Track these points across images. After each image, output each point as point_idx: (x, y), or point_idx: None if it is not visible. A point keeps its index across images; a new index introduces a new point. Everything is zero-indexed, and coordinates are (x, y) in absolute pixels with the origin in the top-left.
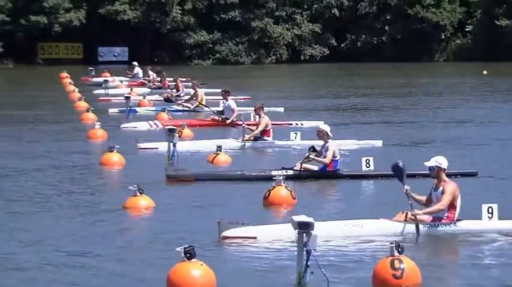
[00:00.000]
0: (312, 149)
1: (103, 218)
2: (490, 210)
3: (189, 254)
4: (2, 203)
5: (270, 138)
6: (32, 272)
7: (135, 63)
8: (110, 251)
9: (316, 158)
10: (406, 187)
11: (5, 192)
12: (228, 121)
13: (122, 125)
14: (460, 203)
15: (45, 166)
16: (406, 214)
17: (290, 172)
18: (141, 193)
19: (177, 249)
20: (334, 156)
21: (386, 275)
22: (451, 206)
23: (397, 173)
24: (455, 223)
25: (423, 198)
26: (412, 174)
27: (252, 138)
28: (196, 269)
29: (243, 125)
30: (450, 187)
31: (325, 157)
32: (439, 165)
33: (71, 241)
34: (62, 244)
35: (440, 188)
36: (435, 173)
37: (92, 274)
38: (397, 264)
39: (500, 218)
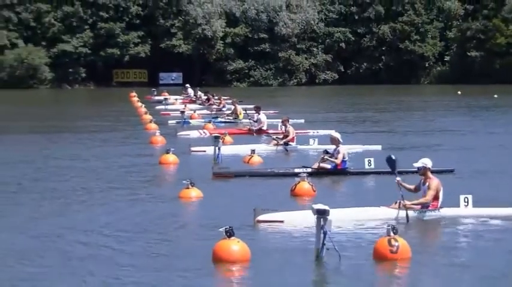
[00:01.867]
0: (325, 151)
1: (162, 206)
2: (466, 199)
3: (229, 233)
4: (75, 194)
5: (294, 144)
6: (97, 243)
7: (188, 85)
8: (167, 231)
9: (329, 159)
10: (397, 178)
11: (78, 186)
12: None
13: (178, 133)
14: (442, 194)
15: (115, 164)
16: (400, 203)
17: (309, 170)
18: (192, 186)
19: (220, 229)
20: (343, 157)
21: (384, 251)
22: (435, 196)
23: (390, 164)
24: (438, 210)
25: (412, 187)
26: (404, 171)
27: (282, 143)
28: (235, 245)
29: (273, 136)
30: (434, 183)
31: (336, 159)
32: (425, 165)
33: (135, 223)
34: (128, 224)
35: (427, 184)
36: (422, 171)
37: (150, 246)
38: (393, 242)
39: (474, 206)
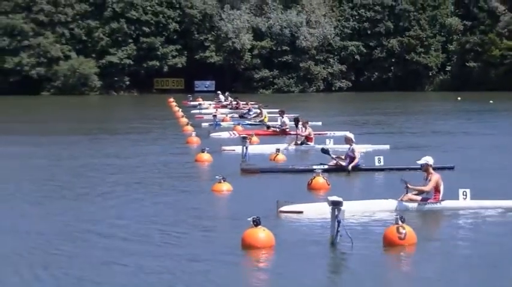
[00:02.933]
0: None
1: (197, 198)
2: (464, 193)
3: (256, 222)
4: (116, 189)
5: (312, 143)
6: (138, 229)
7: (219, 92)
8: (202, 219)
9: (349, 164)
10: (406, 192)
11: (119, 181)
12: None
13: (211, 134)
14: (442, 188)
15: (155, 161)
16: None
17: (326, 167)
18: (223, 181)
19: (248, 219)
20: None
21: (393, 237)
22: (437, 190)
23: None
24: (440, 202)
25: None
26: (409, 168)
27: (300, 143)
28: (261, 232)
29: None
30: (435, 177)
31: (354, 157)
32: (427, 162)
33: (173, 212)
34: (166, 214)
35: (428, 178)
36: (425, 168)
37: (186, 233)
38: (400, 230)
39: (472, 198)
